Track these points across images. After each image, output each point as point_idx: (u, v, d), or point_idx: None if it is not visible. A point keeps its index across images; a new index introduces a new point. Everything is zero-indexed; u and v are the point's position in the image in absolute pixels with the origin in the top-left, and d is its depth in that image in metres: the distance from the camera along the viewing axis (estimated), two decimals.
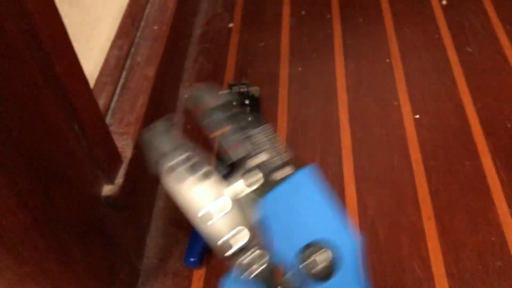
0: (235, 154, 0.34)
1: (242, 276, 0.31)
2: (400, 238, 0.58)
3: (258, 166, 0.33)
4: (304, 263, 0.30)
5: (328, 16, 0.90)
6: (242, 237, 0.32)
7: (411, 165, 0.66)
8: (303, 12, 0.91)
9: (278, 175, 0.33)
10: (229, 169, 0.34)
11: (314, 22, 0.89)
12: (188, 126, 0.74)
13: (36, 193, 0.37)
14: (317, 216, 0.32)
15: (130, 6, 0.68)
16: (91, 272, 0.47)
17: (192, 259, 0.57)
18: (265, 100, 0.77)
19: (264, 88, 0.78)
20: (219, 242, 0.32)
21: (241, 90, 0.75)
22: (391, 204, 0.62)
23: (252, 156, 0.34)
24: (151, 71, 0.60)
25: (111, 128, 0.54)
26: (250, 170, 0.33)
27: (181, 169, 0.33)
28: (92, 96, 0.44)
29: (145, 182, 0.60)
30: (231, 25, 0.91)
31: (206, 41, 0.88)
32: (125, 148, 0.52)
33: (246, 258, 0.31)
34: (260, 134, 0.35)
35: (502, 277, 0.54)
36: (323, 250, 0.30)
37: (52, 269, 0.43)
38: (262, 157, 0.34)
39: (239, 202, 0.33)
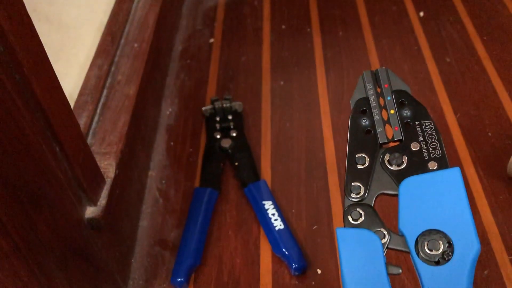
0: (395, 136, 0.40)
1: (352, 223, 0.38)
2: None
3: (405, 152, 0.39)
4: (419, 243, 0.35)
5: (308, 29, 0.91)
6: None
7: None
8: (283, 27, 0.92)
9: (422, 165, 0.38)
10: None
11: (294, 36, 0.90)
12: (171, 143, 0.73)
13: (18, 219, 0.36)
14: (451, 211, 0.35)
15: (109, 24, 0.67)
16: None
17: (179, 279, 0.55)
18: (248, 115, 0.76)
19: (246, 103, 0.78)
20: (350, 185, 0.39)
21: (224, 105, 0.75)
22: None
23: (404, 142, 0.39)
24: (132, 90, 0.59)
25: (93, 148, 0.53)
26: (397, 152, 0.39)
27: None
28: (73, 117, 0.43)
29: (129, 202, 0.59)
30: (211, 40, 0.91)
31: (187, 57, 0.88)
32: (108, 168, 0.51)
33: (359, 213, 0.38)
34: (420, 126, 0.39)
35: (490, 285, 0.54)
36: (441, 238, 0.34)
37: None
38: (413, 146, 0.39)
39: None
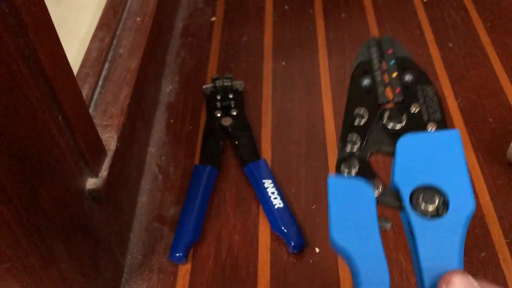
0: (396, 97, 0.39)
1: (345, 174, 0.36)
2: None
3: (404, 112, 0.38)
4: (414, 197, 0.34)
5: (311, 11, 0.90)
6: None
7: None
8: (286, 7, 0.91)
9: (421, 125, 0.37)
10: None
11: (297, 17, 0.89)
12: (171, 121, 0.73)
13: (20, 187, 0.35)
14: (448, 169, 0.34)
15: None
16: (74, 268, 0.45)
17: (177, 254, 0.56)
18: (249, 95, 0.76)
19: (247, 82, 0.77)
20: (349, 138, 0.37)
21: (225, 84, 0.75)
22: None
23: (404, 104, 0.39)
24: (134, 64, 0.58)
25: (94, 120, 0.52)
26: (396, 111, 0.38)
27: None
28: (76, 85, 0.42)
29: (129, 177, 0.59)
30: (213, 19, 0.90)
31: (188, 35, 0.87)
32: (109, 140, 0.51)
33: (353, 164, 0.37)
34: (421, 90, 0.39)
35: (486, 267, 0.55)
36: (436, 193, 0.33)
37: (34, 266, 0.41)
38: (413, 107, 0.38)
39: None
